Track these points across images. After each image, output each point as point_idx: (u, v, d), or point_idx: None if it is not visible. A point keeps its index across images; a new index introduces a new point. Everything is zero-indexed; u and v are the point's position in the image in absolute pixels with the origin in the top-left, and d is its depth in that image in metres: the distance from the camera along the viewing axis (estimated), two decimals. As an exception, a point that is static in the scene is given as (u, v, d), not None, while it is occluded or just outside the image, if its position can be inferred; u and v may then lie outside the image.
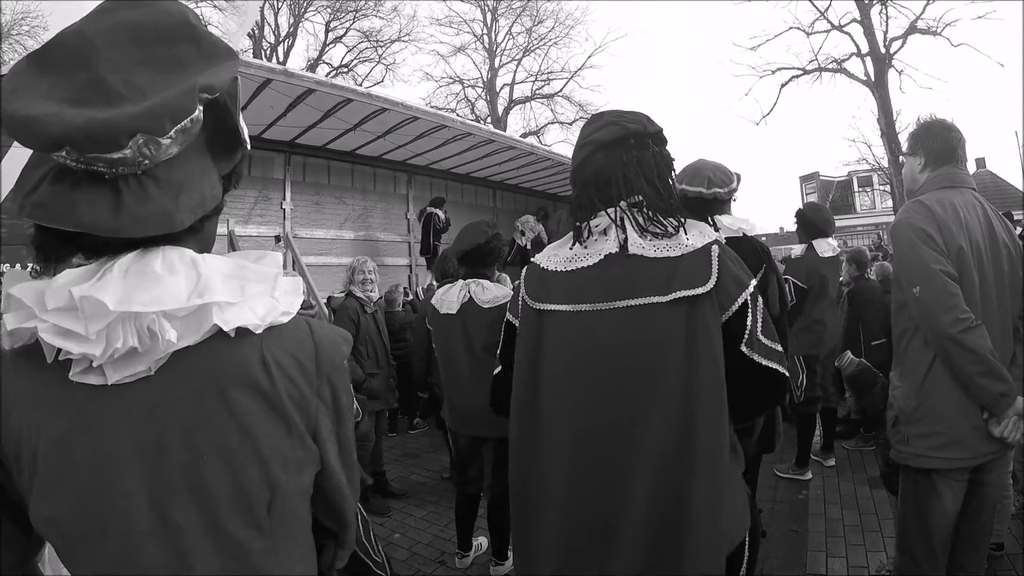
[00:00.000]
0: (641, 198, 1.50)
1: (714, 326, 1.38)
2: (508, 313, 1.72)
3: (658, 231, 1.46)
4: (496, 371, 1.79)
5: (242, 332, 0.85)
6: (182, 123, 0.76)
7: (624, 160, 1.52)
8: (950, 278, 2.11)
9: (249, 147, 0.98)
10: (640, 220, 1.48)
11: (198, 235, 0.91)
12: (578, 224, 1.58)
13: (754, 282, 1.46)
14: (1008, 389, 2.06)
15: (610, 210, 1.51)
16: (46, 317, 0.78)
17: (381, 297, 5.76)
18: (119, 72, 0.75)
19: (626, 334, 1.42)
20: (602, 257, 1.49)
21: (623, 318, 1.42)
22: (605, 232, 1.52)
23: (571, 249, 1.56)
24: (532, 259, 1.66)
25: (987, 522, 2.37)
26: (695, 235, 1.46)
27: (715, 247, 1.42)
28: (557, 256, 1.58)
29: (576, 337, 1.47)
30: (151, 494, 0.79)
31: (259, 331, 0.86)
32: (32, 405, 0.81)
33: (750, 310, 1.42)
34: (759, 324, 1.44)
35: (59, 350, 0.79)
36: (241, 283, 0.88)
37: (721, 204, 2.76)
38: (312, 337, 0.95)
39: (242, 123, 0.95)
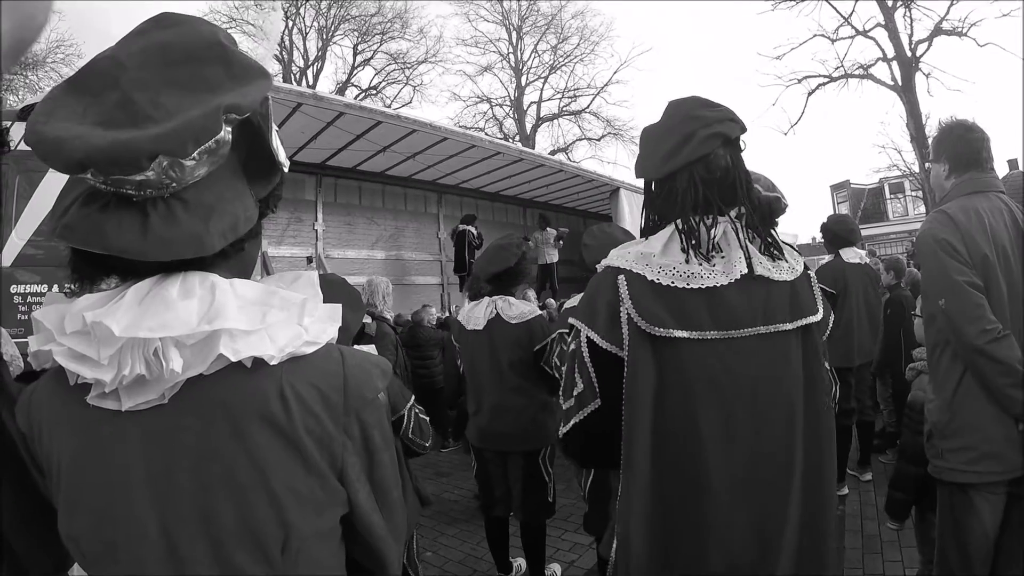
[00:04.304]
0: (744, 209, 1.39)
1: (823, 351, 1.38)
2: (602, 341, 1.35)
3: (775, 252, 1.37)
4: (585, 409, 1.39)
5: (260, 362, 0.81)
6: (206, 144, 0.74)
7: (743, 164, 1.41)
8: (975, 288, 2.08)
9: (287, 169, 0.95)
10: (759, 235, 1.38)
11: (232, 259, 0.88)
12: (687, 228, 1.35)
13: None
14: None
15: (723, 220, 1.37)
16: (63, 341, 0.78)
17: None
18: (147, 91, 0.75)
19: (762, 362, 1.31)
20: (739, 277, 1.31)
21: (757, 345, 1.31)
22: (720, 245, 1.35)
23: (686, 262, 1.32)
24: (620, 266, 1.37)
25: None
26: (791, 255, 1.40)
27: (812, 273, 1.41)
28: (668, 267, 1.32)
29: (716, 367, 1.29)
30: (160, 522, 0.78)
31: (274, 362, 0.81)
32: (56, 425, 0.82)
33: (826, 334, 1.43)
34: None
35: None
36: (264, 310, 0.83)
37: (773, 213, 2.71)
38: (343, 368, 0.88)
39: (278, 144, 0.92)
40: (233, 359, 0.78)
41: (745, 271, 1.31)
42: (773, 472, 1.30)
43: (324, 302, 0.92)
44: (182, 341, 0.77)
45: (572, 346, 1.43)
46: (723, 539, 1.26)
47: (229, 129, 0.78)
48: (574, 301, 3.16)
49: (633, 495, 1.30)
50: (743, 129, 1.42)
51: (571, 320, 1.44)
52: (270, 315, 0.83)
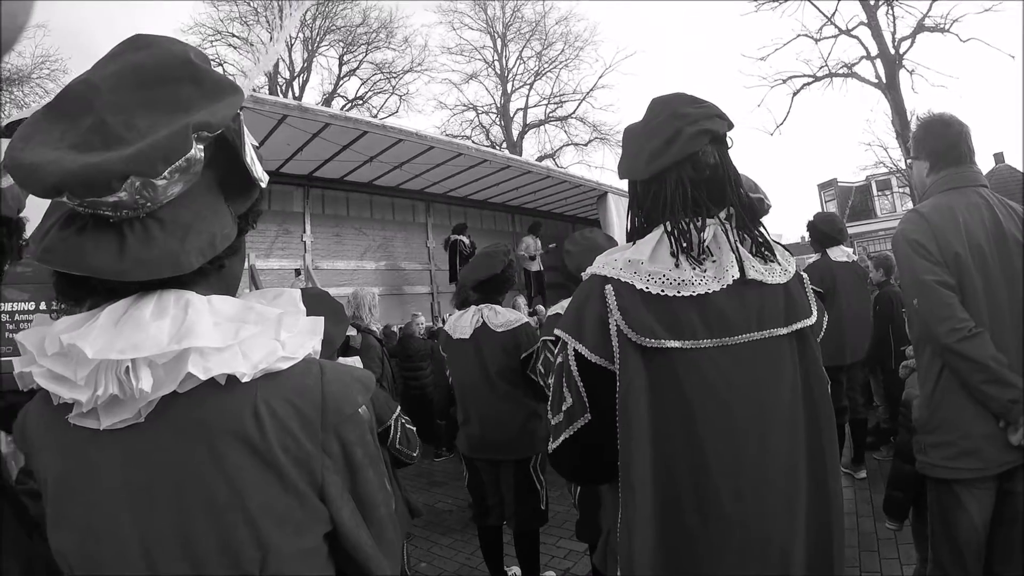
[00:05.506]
0: (732, 210, 1.35)
1: (820, 356, 1.34)
2: (591, 354, 1.28)
3: (767, 254, 1.33)
4: (575, 424, 1.32)
5: (234, 380, 0.80)
6: (177, 163, 0.75)
7: (731, 162, 1.37)
8: (945, 287, 2.09)
9: (265, 184, 0.93)
10: (750, 237, 1.34)
11: (211, 277, 0.88)
12: (676, 231, 1.30)
13: None
14: (1018, 395, 1.99)
15: (712, 221, 1.32)
16: (43, 362, 0.79)
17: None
18: (121, 114, 0.76)
19: (759, 368, 1.25)
20: (731, 282, 1.26)
21: (752, 351, 1.25)
22: (711, 249, 1.30)
23: (676, 267, 1.26)
24: (608, 275, 1.30)
25: (1022, 532, 2.29)
26: (783, 256, 1.36)
27: (804, 274, 1.39)
28: (658, 275, 1.26)
29: (712, 375, 1.22)
30: (142, 541, 0.78)
31: (246, 379, 0.80)
32: (43, 444, 0.84)
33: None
34: None
35: None
36: (238, 326, 0.83)
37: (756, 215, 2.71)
38: (321, 383, 0.87)
39: (253, 160, 0.90)
40: (203, 377, 0.78)
41: (737, 276, 1.26)
42: (780, 480, 1.24)
43: (306, 316, 0.92)
44: (154, 360, 0.77)
45: (559, 359, 1.36)
46: (739, 554, 1.20)
47: (201, 147, 0.78)
48: (559, 308, 3.14)
49: (636, 517, 1.21)
50: (730, 125, 1.38)
51: (557, 332, 1.37)
52: (243, 330, 0.83)
